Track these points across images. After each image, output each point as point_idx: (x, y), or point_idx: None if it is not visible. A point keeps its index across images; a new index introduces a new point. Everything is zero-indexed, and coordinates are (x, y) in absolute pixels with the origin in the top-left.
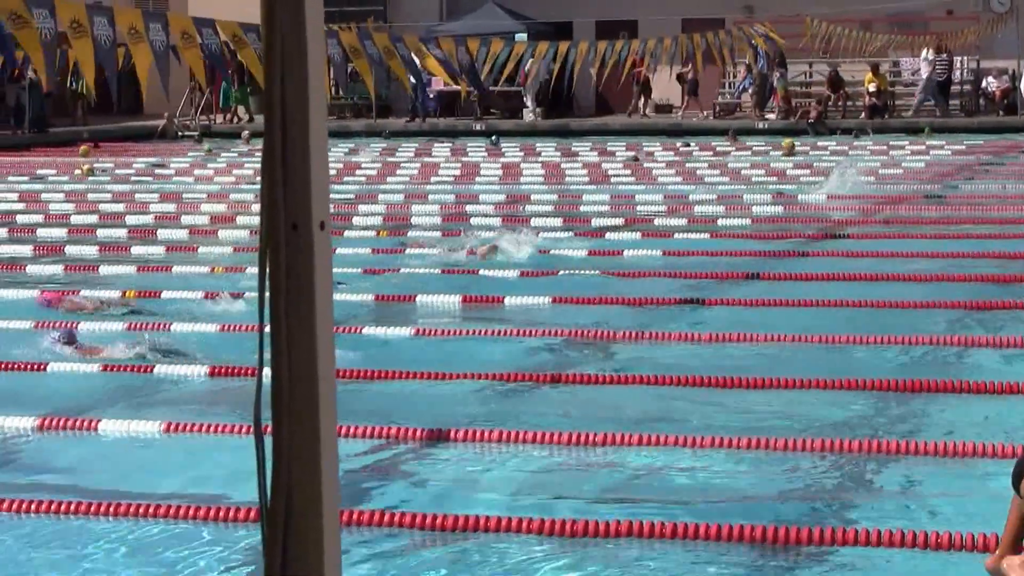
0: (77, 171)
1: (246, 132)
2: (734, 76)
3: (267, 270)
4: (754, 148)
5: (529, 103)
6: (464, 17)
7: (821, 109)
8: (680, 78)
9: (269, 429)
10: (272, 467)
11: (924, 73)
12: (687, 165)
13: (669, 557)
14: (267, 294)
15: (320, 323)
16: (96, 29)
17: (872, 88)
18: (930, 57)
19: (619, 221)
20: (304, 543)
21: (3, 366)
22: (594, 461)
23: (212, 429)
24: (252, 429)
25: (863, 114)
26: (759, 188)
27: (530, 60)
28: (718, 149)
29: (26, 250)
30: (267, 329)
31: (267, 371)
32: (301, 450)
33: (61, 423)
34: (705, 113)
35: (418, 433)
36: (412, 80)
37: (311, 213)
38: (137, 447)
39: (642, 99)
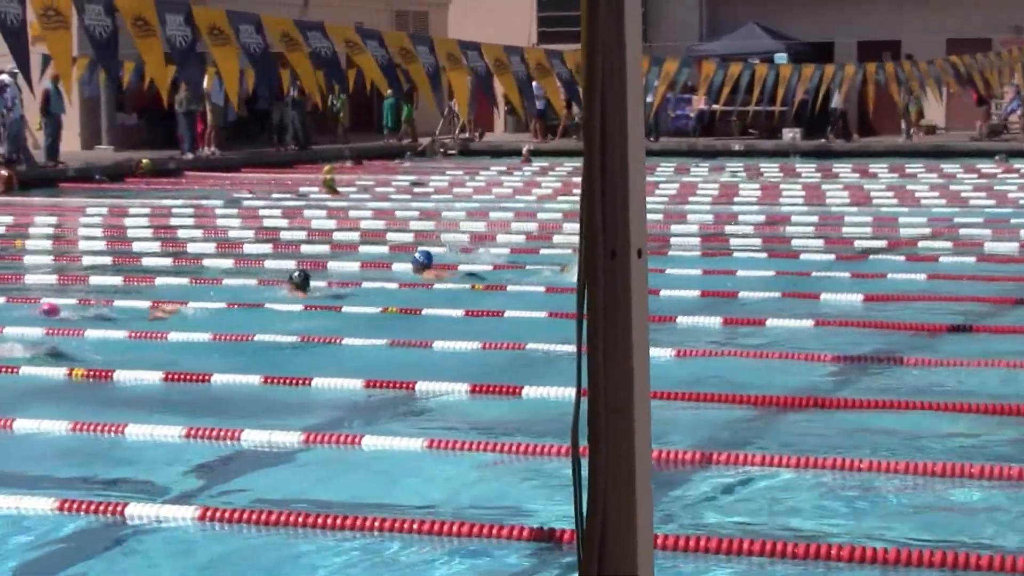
0: (342, 189)
1: (527, 148)
2: (1001, 98)
3: (584, 296)
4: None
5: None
6: (724, 37)
7: None
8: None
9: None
10: (588, 490)
11: None
12: (951, 188)
13: None
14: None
15: (637, 349)
16: (370, 51)
17: None
18: None
19: (882, 244)
20: (619, 565)
21: (270, 380)
22: (857, 486)
23: (474, 447)
24: (569, 452)
25: None
26: None
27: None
28: (984, 171)
29: (290, 266)
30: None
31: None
32: (617, 474)
33: (325, 438)
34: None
35: (681, 456)
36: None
37: (630, 240)
38: (399, 463)
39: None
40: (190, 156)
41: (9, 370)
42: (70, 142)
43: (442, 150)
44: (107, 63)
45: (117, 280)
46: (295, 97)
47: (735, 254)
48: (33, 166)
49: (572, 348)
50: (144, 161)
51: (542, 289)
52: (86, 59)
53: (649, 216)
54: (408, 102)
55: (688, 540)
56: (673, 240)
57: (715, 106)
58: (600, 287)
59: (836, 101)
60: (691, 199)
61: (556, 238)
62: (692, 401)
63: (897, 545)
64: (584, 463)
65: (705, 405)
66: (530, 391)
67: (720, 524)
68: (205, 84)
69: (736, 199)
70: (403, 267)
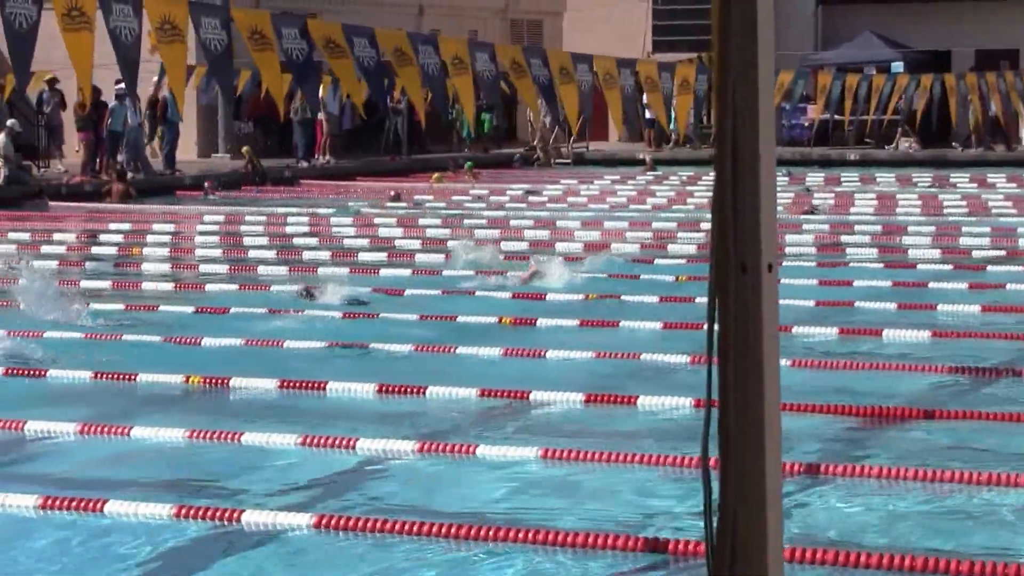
0: (456, 198)
1: (649, 157)
2: None
3: (715, 308)
4: None
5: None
6: (841, 46)
7: None
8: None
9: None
10: (719, 504)
11: None
12: None
13: None
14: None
15: (767, 361)
16: (478, 65)
17: None
18: None
19: (1000, 254)
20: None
21: (384, 389)
22: (976, 500)
23: (589, 456)
24: (689, 461)
25: None
26: None
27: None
28: None
29: (405, 274)
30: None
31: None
32: (747, 484)
33: (439, 447)
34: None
35: (792, 467)
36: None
37: (760, 255)
38: (514, 472)
39: None
40: (305, 164)
41: (127, 378)
42: (187, 150)
43: (543, 159)
44: (221, 76)
45: (233, 287)
46: (399, 106)
47: (851, 264)
48: (151, 174)
49: (686, 359)
50: (244, 148)
51: (656, 299)
52: (203, 68)
53: None
54: (488, 112)
55: (805, 552)
56: (788, 250)
57: (835, 116)
58: (731, 300)
59: (993, 109)
60: (806, 208)
61: (671, 247)
62: (807, 412)
63: (1018, 561)
64: (713, 474)
65: (820, 415)
66: (645, 401)
67: (836, 536)
68: (320, 93)
69: (851, 209)
70: (519, 276)
